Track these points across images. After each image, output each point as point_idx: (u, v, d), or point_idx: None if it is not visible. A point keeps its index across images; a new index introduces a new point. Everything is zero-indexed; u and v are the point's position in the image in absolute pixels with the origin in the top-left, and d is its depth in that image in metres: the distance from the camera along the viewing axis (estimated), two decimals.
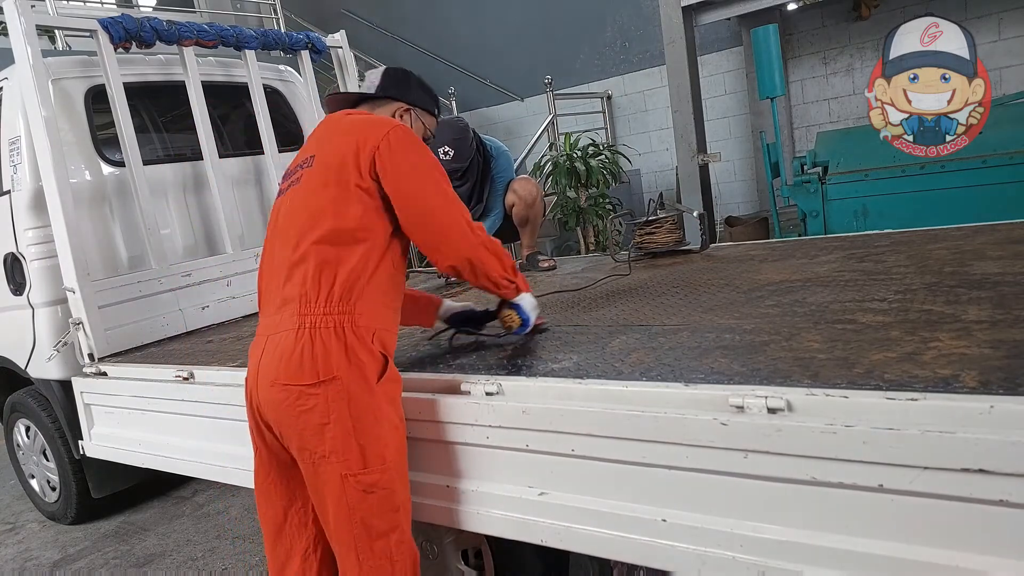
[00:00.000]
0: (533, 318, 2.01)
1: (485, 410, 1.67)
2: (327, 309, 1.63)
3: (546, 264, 3.49)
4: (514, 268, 1.92)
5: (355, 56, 4.41)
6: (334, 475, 1.61)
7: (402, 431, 1.70)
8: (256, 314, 3.56)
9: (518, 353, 1.98)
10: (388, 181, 1.70)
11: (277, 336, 1.66)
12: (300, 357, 1.60)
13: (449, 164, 3.36)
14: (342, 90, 4.20)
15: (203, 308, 3.45)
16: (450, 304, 2.22)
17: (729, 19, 6.59)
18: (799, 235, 4.78)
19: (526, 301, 1.98)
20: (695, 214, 3.22)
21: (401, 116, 1.95)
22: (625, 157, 7.41)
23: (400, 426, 1.70)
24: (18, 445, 3.85)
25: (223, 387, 2.43)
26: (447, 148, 3.37)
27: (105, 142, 3.34)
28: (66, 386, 3.20)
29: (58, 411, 3.30)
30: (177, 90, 3.53)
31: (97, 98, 3.32)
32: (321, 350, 1.60)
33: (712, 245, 3.27)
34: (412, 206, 1.72)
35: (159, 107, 3.67)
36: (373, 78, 1.96)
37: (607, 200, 6.94)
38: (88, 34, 3.21)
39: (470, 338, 2.20)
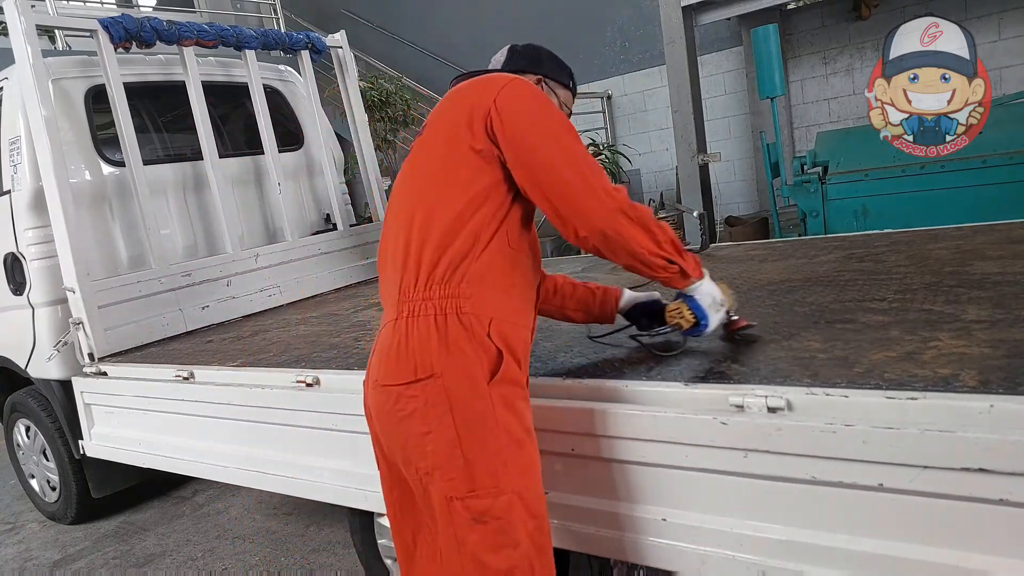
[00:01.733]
0: (713, 317, 1.59)
1: None
2: (427, 294, 1.39)
3: None
4: (674, 243, 1.51)
5: (355, 56, 4.41)
6: (440, 497, 1.36)
7: (529, 447, 1.40)
8: (256, 313, 3.63)
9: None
10: (503, 138, 1.43)
11: (383, 329, 1.46)
12: (397, 352, 1.38)
13: None
14: (341, 90, 4.20)
15: (203, 308, 3.45)
16: (632, 295, 1.85)
17: (729, 19, 6.59)
18: (799, 235, 4.78)
19: (702, 292, 1.58)
20: (695, 214, 3.23)
21: None
22: (625, 157, 7.40)
23: (526, 440, 1.40)
24: (18, 445, 3.85)
25: (223, 387, 2.43)
26: None
27: (105, 142, 3.34)
28: (66, 386, 3.19)
29: (58, 411, 3.30)
30: (177, 90, 3.54)
31: (97, 98, 3.32)
32: (417, 342, 1.37)
33: (712, 245, 3.27)
34: (530, 165, 1.43)
35: (159, 107, 3.67)
36: (498, 56, 1.71)
37: None
38: (88, 34, 3.22)
39: (654, 338, 1.77)
